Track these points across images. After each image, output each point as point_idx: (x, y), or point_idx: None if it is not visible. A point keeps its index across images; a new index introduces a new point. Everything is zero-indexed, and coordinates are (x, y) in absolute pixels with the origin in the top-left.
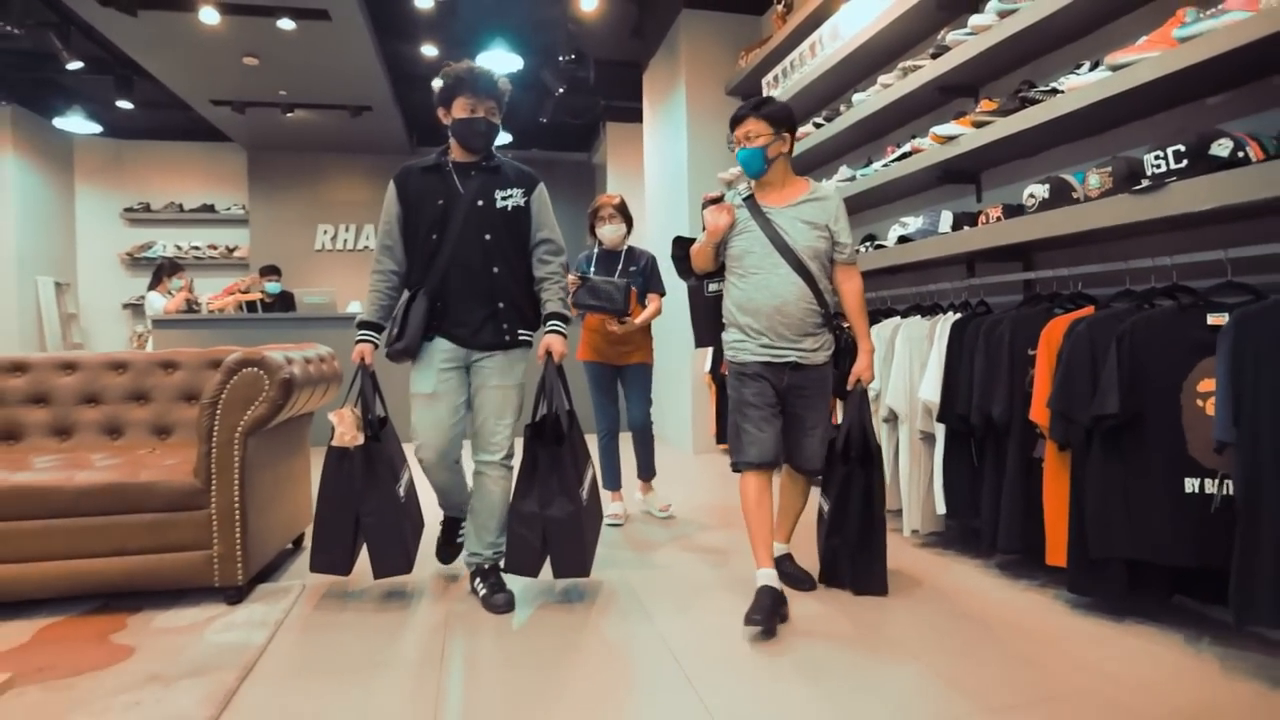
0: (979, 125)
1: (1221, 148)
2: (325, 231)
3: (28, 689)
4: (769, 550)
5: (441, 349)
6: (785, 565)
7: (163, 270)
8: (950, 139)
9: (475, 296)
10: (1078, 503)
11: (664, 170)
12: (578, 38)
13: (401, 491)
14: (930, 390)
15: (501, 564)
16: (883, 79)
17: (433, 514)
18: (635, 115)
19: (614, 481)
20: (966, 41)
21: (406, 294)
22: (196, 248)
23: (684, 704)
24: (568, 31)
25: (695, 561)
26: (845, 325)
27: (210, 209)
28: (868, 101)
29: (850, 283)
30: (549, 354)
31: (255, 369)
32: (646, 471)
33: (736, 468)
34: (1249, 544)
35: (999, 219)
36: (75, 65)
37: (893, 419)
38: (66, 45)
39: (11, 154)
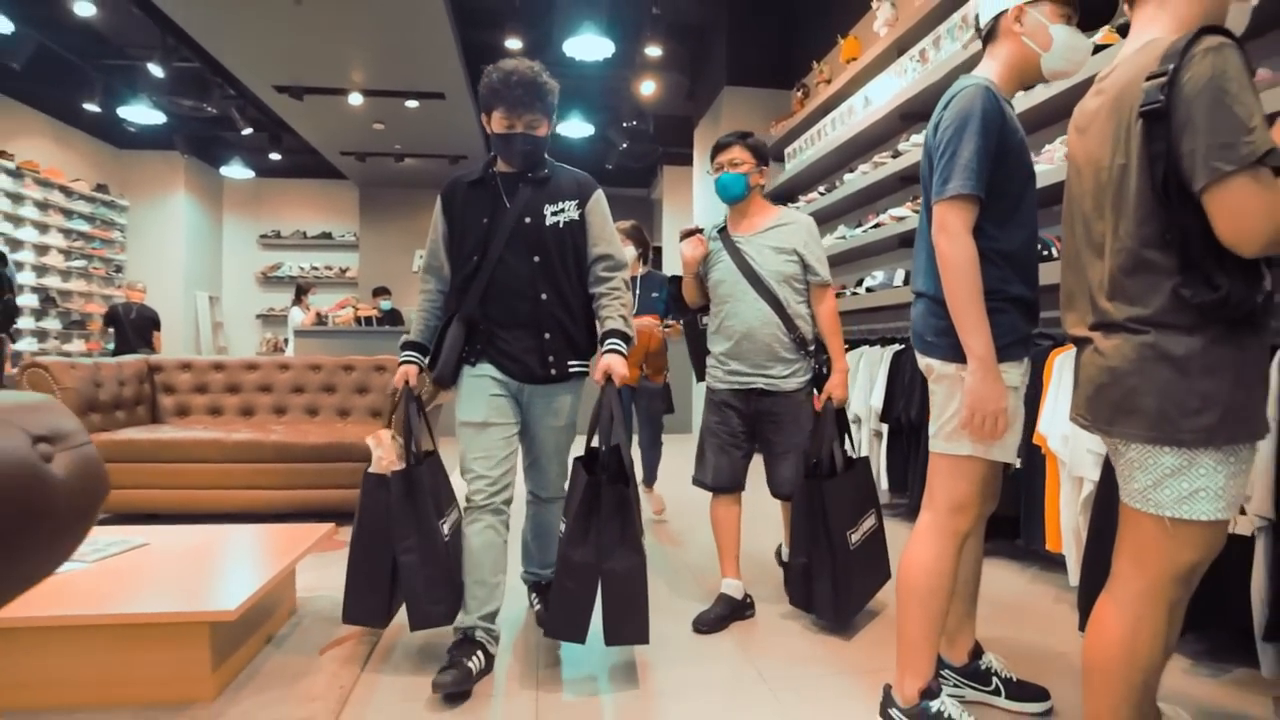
0: (917, 212)
1: None
2: (421, 256)
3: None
4: (734, 562)
5: (490, 374)
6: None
7: (301, 290)
8: (901, 219)
9: (519, 325)
10: None
11: (709, 215)
12: (638, 100)
13: (446, 529)
14: (878, 399)
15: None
16: (862, 167)
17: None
18: (688, 159)
19: None
20: (912, 150)
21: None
22: (316, 268)
23: None
24: (631, 99)
25: None
26: (825, 356)
27: (328, 236)
28: (853, 181)
29: (823, 304)
30: (609, 378)
31: None
32: (651, 477)
33: (695, 482)
34: (1030, 497)
35: None
36: (247, 131)
37: (857, 421)
38: (243, 116)
39: (184, 193)
